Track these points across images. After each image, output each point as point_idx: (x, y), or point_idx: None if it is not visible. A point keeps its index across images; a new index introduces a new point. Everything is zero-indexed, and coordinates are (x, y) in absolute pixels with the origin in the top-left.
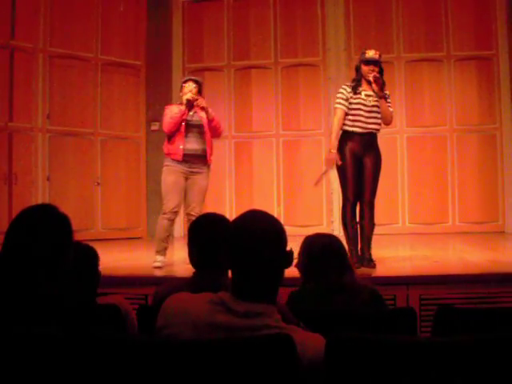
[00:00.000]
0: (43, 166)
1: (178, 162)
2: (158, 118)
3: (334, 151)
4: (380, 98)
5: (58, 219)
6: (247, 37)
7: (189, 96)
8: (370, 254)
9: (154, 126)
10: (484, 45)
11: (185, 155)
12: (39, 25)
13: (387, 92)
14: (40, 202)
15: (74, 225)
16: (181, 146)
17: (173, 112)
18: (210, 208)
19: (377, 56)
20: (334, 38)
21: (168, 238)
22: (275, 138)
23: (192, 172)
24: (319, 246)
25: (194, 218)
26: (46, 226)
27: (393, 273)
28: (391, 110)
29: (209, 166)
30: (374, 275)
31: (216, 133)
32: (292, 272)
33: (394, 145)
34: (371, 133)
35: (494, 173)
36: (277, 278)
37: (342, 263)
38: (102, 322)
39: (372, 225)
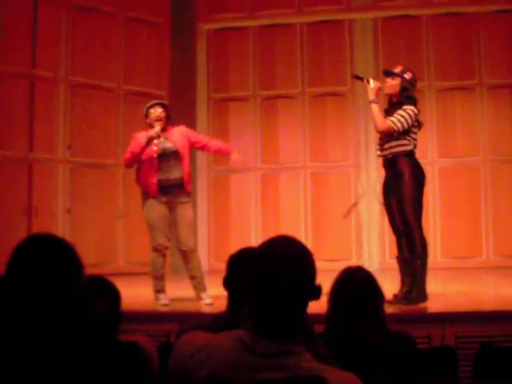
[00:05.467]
0: (64, 198)
1: (155, 196)
2: None
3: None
4: (369, 102)
5: (63, 248)
6: (273, 65)
7: (153, 133)
8: (406, 291)
9: None
10: None
11: (161, 187)
12: (60, 53)
13: (407, 107)
14: (60, 234)
15: (95, 258)
16: (154, 180)
17: (136, 144)
18: (235, 243)
19: (396, 70)
20: (363, 66)
21: (164, 275)
22: (303, 170)
23: (174, 203)
24: (355, 284)
25: (189, 254)
26: (49, 257)
27: (426, 310)
28: (392, 119)
29: (189, 196)
30: (405, 313)
31: (224, 150)
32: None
33: None
34: (389, 156)
35: None
36: (302, 312)
37: (375, 311)
38: (121, 361)
39: (403, 259)
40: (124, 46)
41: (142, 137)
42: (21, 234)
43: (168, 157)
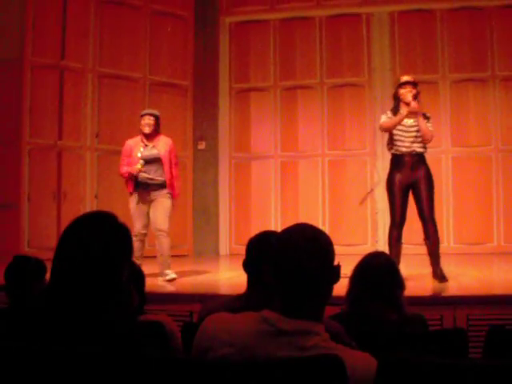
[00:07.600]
0: (91, 184)
1: (136, 190)
2: (205, 137)
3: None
4: (419, 115)
5: (117, 229)
6: (293, 57)
7: (135, 170)
8: (441, 270)
9: (201, 145)
10: None
11: (142, 184)
12: (88, 45)
13: (428, 114)
14: None
15: None
16: (136, 180)
17: (125, 167)
18: (255, 228)
19: (411, 79)
20: (380, 57)
21: (140, 256)
22: (321, 158)
23: (152, 197)
24: (376, 269)
25: (161, 233)
26: (103, 236)
27: (439, 293)
28: (431, 128)
29: (170, 193)
30: (418, 295)
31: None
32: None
33: (438, 165)
34: (417, 153)
35: None
36: (324, 294)
37: (393, 295)
38: (146, 339)
39: (437, 240)
40: (149, 37)
41: (132, 145)
42: (51, 218)
43: (152, 162)
